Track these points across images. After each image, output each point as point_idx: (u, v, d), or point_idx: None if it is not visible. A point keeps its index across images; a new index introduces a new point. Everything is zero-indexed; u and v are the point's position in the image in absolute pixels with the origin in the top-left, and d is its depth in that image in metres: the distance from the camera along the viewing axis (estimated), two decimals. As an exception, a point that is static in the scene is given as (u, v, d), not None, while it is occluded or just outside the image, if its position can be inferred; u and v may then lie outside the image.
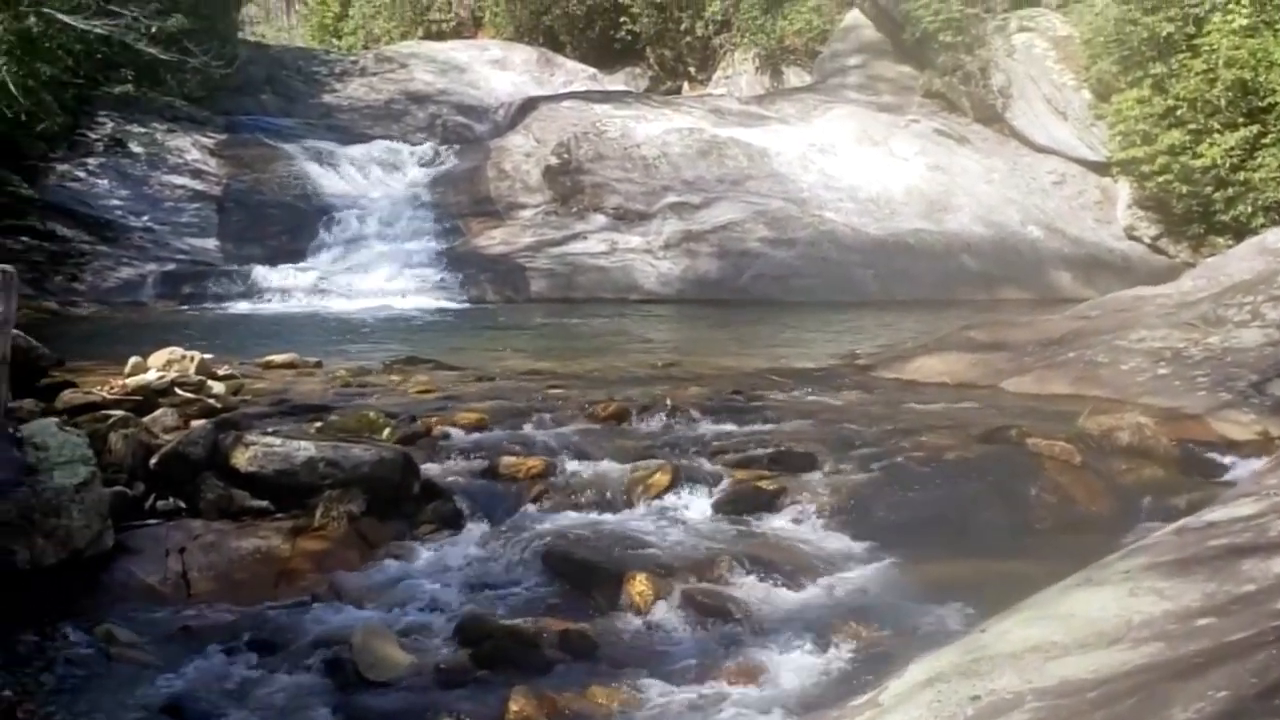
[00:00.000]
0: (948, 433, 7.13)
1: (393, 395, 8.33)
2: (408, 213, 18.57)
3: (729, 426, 7.55)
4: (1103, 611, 3.64)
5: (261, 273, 16.44)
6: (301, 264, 17.06)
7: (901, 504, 6.30)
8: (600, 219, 18.54)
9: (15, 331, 7.79)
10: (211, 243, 17.76)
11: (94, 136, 19.24)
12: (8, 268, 6.30)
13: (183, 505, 6.21)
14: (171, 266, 16.76)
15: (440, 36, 33.03)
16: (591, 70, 28.82)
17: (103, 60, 18.92)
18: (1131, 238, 18.64)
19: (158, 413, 7.09)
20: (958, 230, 18.29)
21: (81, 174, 18.48)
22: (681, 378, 9.18)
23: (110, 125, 19.55)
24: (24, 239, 16.48)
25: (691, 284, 17.37)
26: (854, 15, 24.24)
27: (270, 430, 6.56)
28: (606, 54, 30.32)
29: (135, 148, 19.27)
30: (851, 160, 19.72)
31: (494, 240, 18.12)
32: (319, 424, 7.08)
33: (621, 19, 29.48)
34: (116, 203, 18.05)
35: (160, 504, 6.21)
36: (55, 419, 5.88)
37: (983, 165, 19.48)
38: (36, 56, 15.16)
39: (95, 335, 12.50)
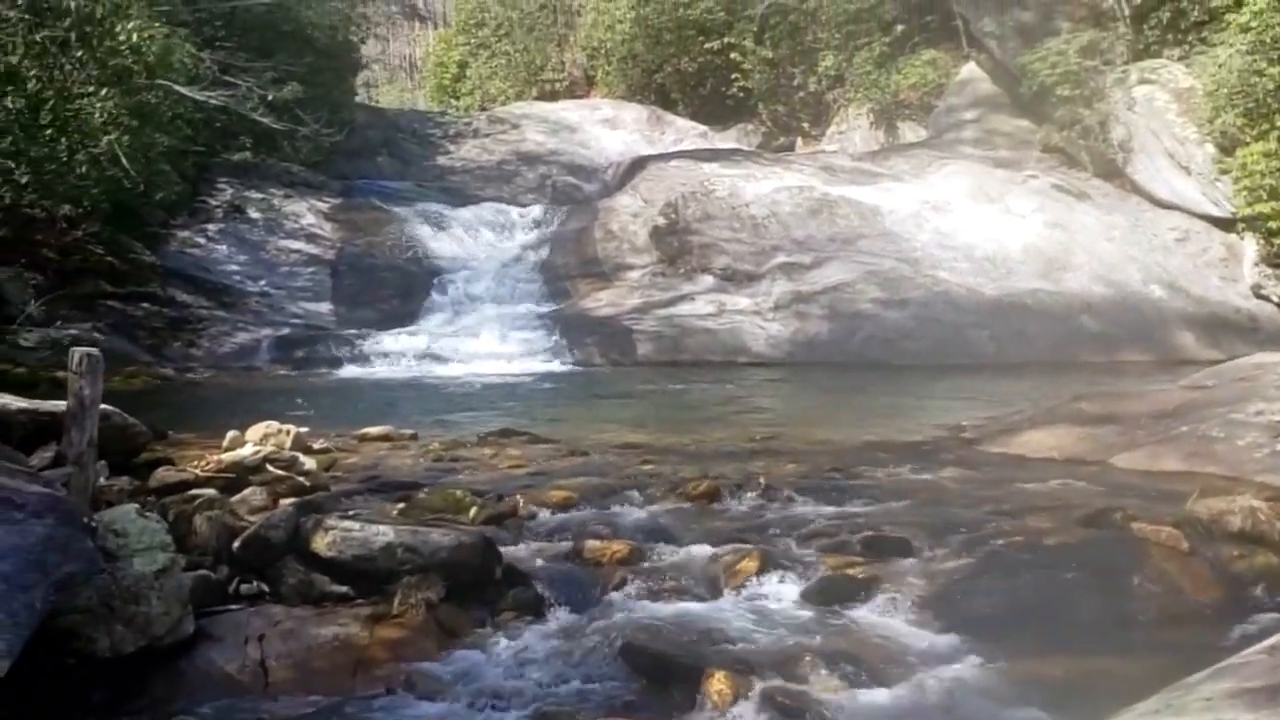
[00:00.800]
0: (1050, 515, 6.84)
1: (484, 470, 8.26)
2: (516, 275, 18.71)
3: (824, 507, 7.34)
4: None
5: (372, 337, 16.60)
6: (411, 328, 17.24)
7: (997, 594, 6.02)
8: (708, 280, 18.44)
9: (111, 408, 7.92)
10: (325, 307, 18.05)
11: (214, 203, 19.75)
12: (94, 351, 6.38)
13: (266, 589, 6.17)
14: (286, 331, 17.02)
15: (553, 96, 33.46)
16: (702, 128, 28.89)
17: (222, 128, 19.41)
18: (1259, 296, 17.96)
19: (246, 492, 7.10)
20: (1077, 290, 17.80)
21: (201, 240, 18.95)
22: (780, 452, 8.97)
23: (230, 191, 20.05)
24: (145, 305, 16.91)
25: (801, 346, 17.13)
26: (970, 68, 23.95)
27: (350, 514, 6.52)
28: (719, 111, 30.38)
29: (253, 213, 19.72)
30: (967, 218, 19.36)
31: (601, 302, 18.11)
32: (404, 504, 7.03)
33: (733, 75, 29.55)
34: (234, 268, 18.45)
35: (244, 588, 6.17)
36: (134, 505, 5.89)
37: (1103, 222, 18.96)
38: (155, 127, 15.55)
39: (205, 403, 12.71)
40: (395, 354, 16.18)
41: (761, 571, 6.33)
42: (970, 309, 17.41)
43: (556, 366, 16.23)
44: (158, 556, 5.59)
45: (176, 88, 15.02)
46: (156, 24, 15.61)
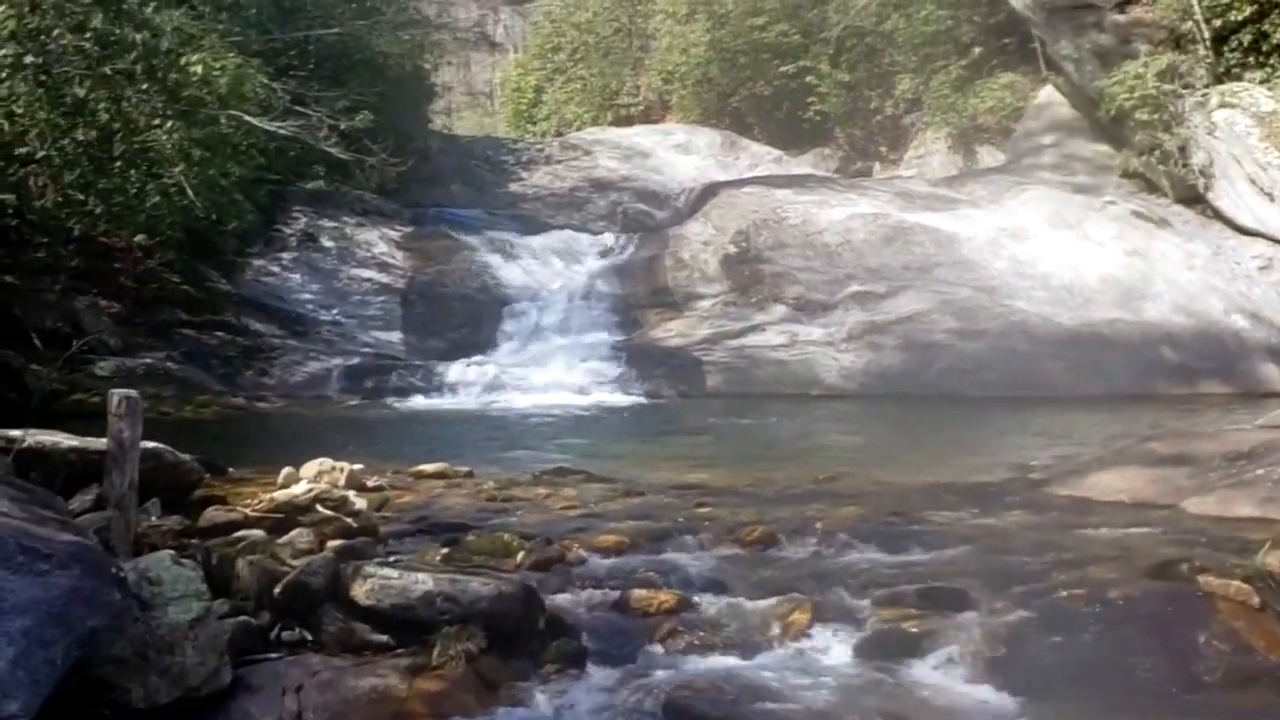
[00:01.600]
0: (1115, 565, 6.57)
1: (536, 511, 8.14)
2: (585, 304, 18.63)
3: (882, 555, 7.12)
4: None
5: (441, 367, 16.60)
6: (480, 358, 17.21)
7: (1055, 651, 5.78)
8: (780, 309, 18.21)
9: (162, 446, 7.92)
10: (396, 336, 18.12)
11: (288, 231, 19.92)
12: (132, 393, 6.37)
13: (309, 637, 6.09)
14: (356, 360, 17.08)
15: (629, 121, 33.46)
16: (777, 153, 28.70)
17: (296, 157, 19.56)
18: (1346, 327, 17.42)
19: (293, 533, 7.04)
20: (1156, 320, 17.35)
21: (275, 268, 19.11)
22: (842, 494, 8.76)
23: (304, 220, 20.21)
24: (219, 334, 17.07)
25: (874, 378, 16.87)
26: (1048, 92, 23.58)
27: (392, 559, 6.42)
28: (795, 135, 30.16)
29: (326, 241, 19.86)
30: (1044, 245, 18.97)
31: (671, 332, 17.97)
32: (451, 547, 6.93)
33: (809, 99, 29.32)
34: (307, 296, 18.58)
35: (286, 634, 6.09)
36: (170, 551, 5.83)
37: (1183, 250, 18.49)
38: (227, 157, 15.69)
39: (272, 434, 12.75)
40: (463, 384, 16.18)
41: (813, 624, 6.13)
42: (1047, 339, 17.04)
43: (624, 398, 16.10)
44: (193, 605, 5.52)
45: (247, 118, 15.12)
46: (230, 54, 15.78)
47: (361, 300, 18.74)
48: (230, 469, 9.18)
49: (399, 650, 5.94)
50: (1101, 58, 20.89)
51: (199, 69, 13.59)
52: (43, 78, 11.94)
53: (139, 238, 15.34)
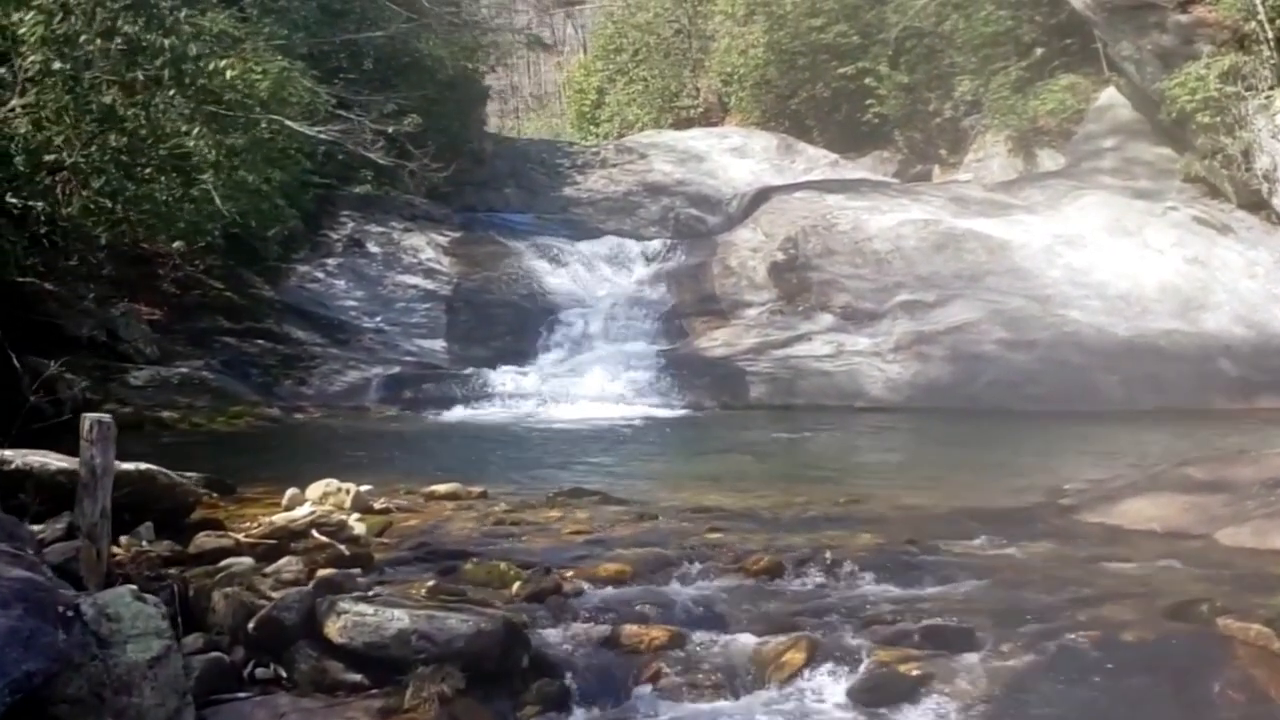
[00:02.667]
0: (1133, 604, 6.22)
1: (543, 536, 7.92)
2: (631, 312, 18.39)
3: (891, 588, 6.81)
4: None
5: (482, 377, 16.41)
6: (523, 367, 16.99)
7: (1060, 699, 5.45)
8: (827, 318, 17.86)
9: (156, 468, 7.79)
10: (439, 344, 17.98)
11: (334, 236, 19.86)
12: (105, 418, 6.21)
13: (283, 674, 5.91)
14: (397, 369, 16.92)
15: (689, 123, 33.23)
16: (833, 156, 28.33)
17: (344, 161, 19.47)
18: None
19: (282, 562, 6.86)
20: (1215, 331, 16.77)
21: (320, 274, 19.05)
22: (861, 519, 8.44)
23: (350, 225, 20.12)
24: (260, 341, 17.00)
25: (921, 390, 16.43)
26: (1109, 94, 23.01)
27: (373, 593, 6.21)
28: (854, 138, 29.78)
29: (372, 247, 19.77)
30: (1101, 253, 18.46)
31: (716, 341, 17.69)
32: (446, 576, 6.74)
33: (868, 101, 28.89)
34: (351, 303, 18.49)
35: (260, 672, 5.91)
36: (131, 587, 5.66)
37: (1245, 258, 17.91)
38: (268, 162, 15.62)
39: (297, 448, 12.64)
40: (504, 395, 15.96)
41: (809, 664, 5.85)
42: (1100, 351, 16.50)
43: (664, 410, 15.74)
44: (152, 644, 5.34)
45: (288, 123, 15.02)
46: (274, 58, 15.70)
47: (406, 307, 18.61)
48: (239, 488, 9.04)
49: (373, 690, 5.74)
50: (1163, 59, 20.29)
51: (231, 73, 13.47)
52: (71, 84, 11.90)
53: (176, 244, 15.32)
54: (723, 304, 18.69)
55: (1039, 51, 25.08)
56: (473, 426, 14.56)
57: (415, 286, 19.11)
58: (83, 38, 11.80)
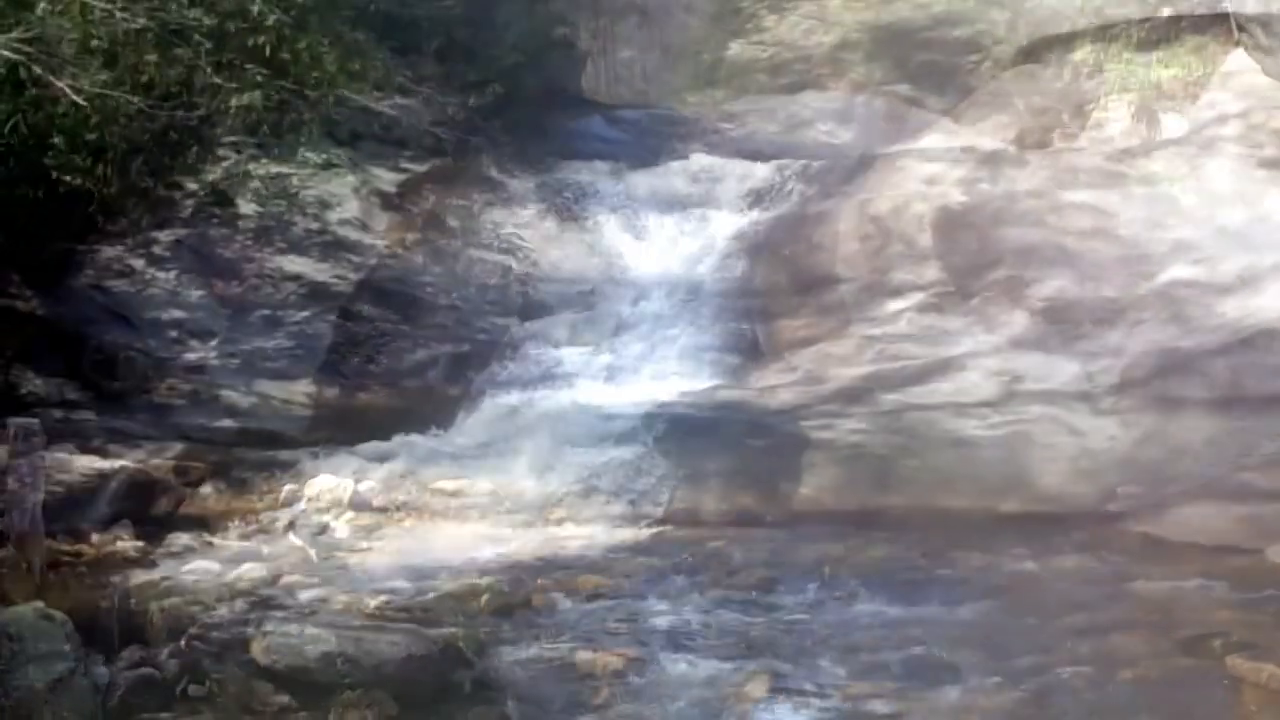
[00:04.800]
0: (1146, 633, 5.62)
1: (534, 541, 7.57)
2: (709, 291, 17.57)
3: (887, 607, 6.31)
4: None
5: (544, 358, 15.88)
6: (587, 348, 16.34)
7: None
8: (1015, 322, 16.15)
9: (135, 466, 7.53)
10: (512, 321, 17.46)
11: (415, 211, 19.41)
12: (32, 422, 5.98)
13: (217, 693, 5.56)
14: (466, 348, 16.46)
15: (800, 87, 32.22)
16: (949, 123, 27.16)
17: (424, 133, 19.01)
18: None
19: (245, 568, 6.56)
20: (1334, 311, 15.49)
21: (399, 250, 18.62)
22: (884, 525, 7.86)
23: (432, 200, 19.67)
24: (329, 318, 16.65)
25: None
26: (1237, 57, 21.65)
27: (309, 611, 5.83)
28: (970, 103, 28.58)
29: (451, 222, 19.27)
30: (1216, 226, 17.28)
31: (794, 373, 16.53)
32: (386, 597, 6.34)
33: (985, 63, 27.67)
34: (427, 279, 18.01)
35: (194, 689, 5.58)
36: (36, 605, 5.33)
37: (1372, 233, 16.58)
38: (341, 142, 15.33)
39: (337, 431, 12.33)
40: (565, 376, 15.41)
41: (767, 698, 5.35)
42: (1205, 330, 15.22)
43: (730, 394, 13.91)
44: (55, 666, 5.03)
45: (351, 96, 14.64)
46: (341, 27, 15.26)
47: (481, 285, 18.12)
48: (246, 477, 8.76)
49: (300, 714, 5.37)
50: (1293, 19, 19.02)
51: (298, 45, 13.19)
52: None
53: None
54: (843, 289, 14.60)
55: (1165, 13, 23.75)
56: (525, 408, 14.21)
57: (493, 262, 18.42)
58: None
